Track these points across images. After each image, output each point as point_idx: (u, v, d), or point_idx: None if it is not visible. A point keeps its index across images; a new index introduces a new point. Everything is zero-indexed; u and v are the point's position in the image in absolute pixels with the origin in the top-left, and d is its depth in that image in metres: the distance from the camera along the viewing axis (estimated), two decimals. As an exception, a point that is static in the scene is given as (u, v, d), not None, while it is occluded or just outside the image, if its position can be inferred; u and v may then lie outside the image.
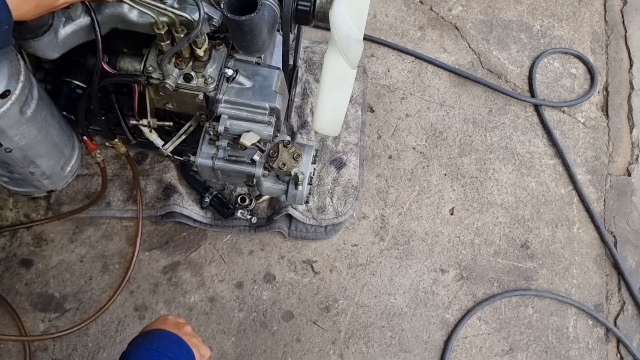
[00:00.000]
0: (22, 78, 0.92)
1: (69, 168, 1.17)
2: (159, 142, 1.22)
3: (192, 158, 1.17)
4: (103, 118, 1.19)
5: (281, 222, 1.53)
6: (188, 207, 1.52)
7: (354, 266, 1.55)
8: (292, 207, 1.52)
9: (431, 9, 1.91)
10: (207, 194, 1.52)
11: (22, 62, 0.93)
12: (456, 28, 1.89)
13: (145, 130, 1.19)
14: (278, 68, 1.14)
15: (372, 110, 1.75)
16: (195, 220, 1.53)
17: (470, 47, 1.87)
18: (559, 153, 1.72)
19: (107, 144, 1.35)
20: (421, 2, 1.92)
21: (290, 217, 1.54)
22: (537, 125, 1.77)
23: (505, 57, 1.86)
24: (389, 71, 1.80)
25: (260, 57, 1.16)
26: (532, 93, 1.80)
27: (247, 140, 1.08)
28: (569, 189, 1.69)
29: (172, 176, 1.56)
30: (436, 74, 1.81)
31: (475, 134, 1.74)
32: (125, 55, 1.11)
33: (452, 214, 1.63)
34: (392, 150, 1.69)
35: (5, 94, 0.90)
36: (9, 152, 0.98)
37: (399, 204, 1.63)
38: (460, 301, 1.53)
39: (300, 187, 1.16)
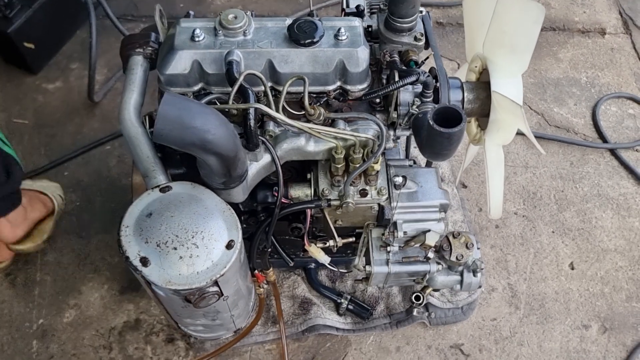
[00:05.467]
0: (238, 225, 0.94)
1: (251, 304, 1.18)
2: (326, 259, 1.24)
3: (367, 268, 1.19)
4: (269, 250, 1.21)
5: (420, 313, 1.54)
6: (328, 316, 1.51)
7: (501, 340, 1.55)
8: (430, 295, 1.53)
9: (487, 82, 2.03)
10: (341, 300, 1.52)
11: (233, 210, 0.96)
12: (514, 94, 2.01)
13: (314, 250, 1.21)
14: (432, 167, 1.20)
15: (464, 186, 1.81)
16: (337, 329, 1.52)
17: (531, 109, 1.98)
18: (649, 189, 1.80)
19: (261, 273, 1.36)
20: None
21: (426, 306, 1.55)
22: (619, 167, 1.86)
23: (567, 112, 1.98)
24: (469, 146, 1.88)
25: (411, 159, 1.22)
26: (603, 139, 1.91)
27: (431, 240, 1.11)
28: (671, 221, 1.76)
29: (303, 290, 1.56)
30: (511, 139, 1.90)
31: (566, 188, 1.81)
32: (293, 183, 1.15)
33: (572, 269, 1.67)
34: (496, 220, 1.74)
35: (231, 245, 0.92)
36: (225, 300, 0.99)
37: (521, 270, 1.66)
38: (613, 354, 1.53)
39: (479, 274, 1.19)
